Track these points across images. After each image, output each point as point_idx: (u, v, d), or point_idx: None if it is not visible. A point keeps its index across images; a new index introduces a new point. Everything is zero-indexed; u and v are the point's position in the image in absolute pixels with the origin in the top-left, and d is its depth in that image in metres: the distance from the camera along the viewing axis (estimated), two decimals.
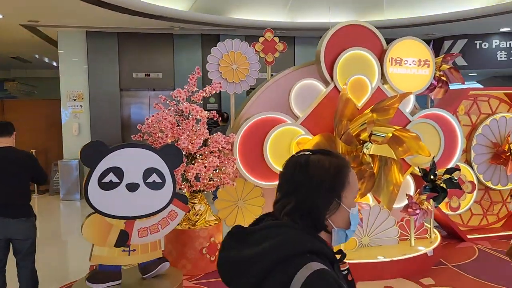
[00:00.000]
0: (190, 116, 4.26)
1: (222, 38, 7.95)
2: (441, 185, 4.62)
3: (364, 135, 4.37)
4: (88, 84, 8.58)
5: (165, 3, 7.40)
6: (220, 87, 4.51)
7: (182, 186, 4.40)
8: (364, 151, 4.38)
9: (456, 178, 4.65)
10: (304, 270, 1.13)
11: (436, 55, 10.00)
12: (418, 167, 4.68)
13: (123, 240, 3.67)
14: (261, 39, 5.04)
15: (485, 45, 9.47)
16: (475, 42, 9.48)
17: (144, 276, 3.84)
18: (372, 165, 4.42)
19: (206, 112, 4.53)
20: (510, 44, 9.37)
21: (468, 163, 5.41)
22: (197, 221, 4.43)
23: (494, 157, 5.38)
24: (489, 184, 5.46)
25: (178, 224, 4.38)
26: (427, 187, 4.62)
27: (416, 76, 4.75)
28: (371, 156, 4.43)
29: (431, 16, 8.06)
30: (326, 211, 1.26)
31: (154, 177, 3.76)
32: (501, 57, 9.42)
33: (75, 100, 8.57)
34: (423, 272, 4.24)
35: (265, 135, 4.43)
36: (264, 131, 4.44)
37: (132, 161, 3.67)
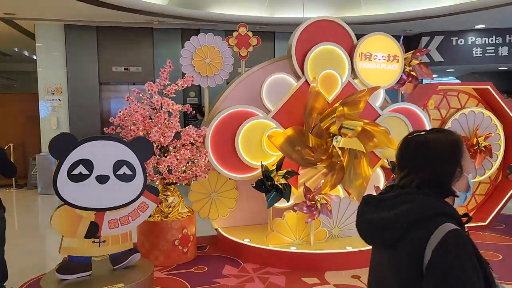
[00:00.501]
0: (162, 109, 4.30)
1: (202, 32, 7.97)
2: None
3: (333, 128, 4.47)
4: (67, 77, 8.55)
5: None
6: (192, 80, 4.56)
7: (155, 178, 4.44)
8: (334, 144, 4.47)
9: None
10: (442, 228, 1.35)
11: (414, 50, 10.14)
12: (387, 160, 4.80)
13: (93, 231, 3.71)
14: (235, 34, 5.10)
15: (461, 42, 9.66)
16: (452, 38, 9.66)
17: (114, 267, 3.88)
18: (341, 158, 4.52)
19: (179, 105, 4.57)
20: (485, 41, 9.57)
21: None
22: (169, 213, 4.48)
23: None
24: None
25: (150, 216, 4.46)
26: (395, 179, 4.74)
27: (386, 71, 4.86)
28: (341, 149, 4.52)
29: (407, 13, 8.21)
30: (451, 180, 1.47)
31: (125, 169, 3.80)
32: (477, 54, 9.62)
33: (53, 93, 8.53)
34: None
35: (237, 128, 4.50)
36: (236, 125, 4.51)
37: (102, 153, 3.71)
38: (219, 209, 4.90)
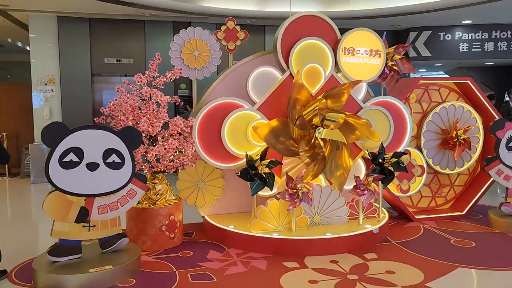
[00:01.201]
0: (151, 100, 4.46)
1: (194, 25, 8.01)
2: (389, 168, 4.95)
3: (316, 120, 4.65)
4: (59, 68, 8.66)
5: None
6: (180, 72, 4.72)
7: (143, 167, 4.61)
8: (316, 135, 4.66)
9: (403, 162, 4.98)
10: None
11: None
12: (368, 151, 4.99)
13: (83, 216, 3.89)
14: (223, 28, 5.26)
15: (448, 37, 9.85)
16: (439, 33, 9.85)
17: (103, 251, 4.07)
18: (324, 149, 4.70)
19: (168, 97, 4.73)
20: (471, 36, 9.77)
21: (419, 148, 5.75)
22: (157, 200, 4.65)
23: (443, 143, 5.73)
24: (437, 168, 5.82)
25: (139, 203, 4.64)
26: (376, 169, 4.95)
27: (368, 65, 5.04)
28: (323, 140, 4.70)
29: (393, 8, 8.36)
30: None
31: (114, 158, 3.98)
32: (463, 49, 9.82)
33: (46, 84, 8.64)
34: (369, 248, 4.57)
35: (223, 119, 4.68)
36: (222, 116, 4.68)
37: (92, 142, 3.88)
38: (206, 197, 5.09)
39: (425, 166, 5.70)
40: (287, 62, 4.82)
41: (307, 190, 4.48)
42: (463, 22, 9.58)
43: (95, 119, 4.66)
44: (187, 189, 5.03)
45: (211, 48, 5.08)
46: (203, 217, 5.17)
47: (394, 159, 4.91)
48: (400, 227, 5.39)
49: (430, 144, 5.76)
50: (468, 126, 5.74)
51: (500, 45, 9.68)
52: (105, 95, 9.30)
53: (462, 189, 6.07)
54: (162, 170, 4.66)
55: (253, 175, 4.49)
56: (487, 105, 5.76)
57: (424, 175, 5.70)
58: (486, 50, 9.76)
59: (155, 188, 4.72)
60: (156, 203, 4.65)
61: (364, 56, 5.00)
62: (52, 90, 8.68)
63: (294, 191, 4.44)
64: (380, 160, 4.91)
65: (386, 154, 4.95)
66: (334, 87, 4.74)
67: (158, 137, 4.61)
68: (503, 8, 8.35)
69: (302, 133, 4.69)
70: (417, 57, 9.97)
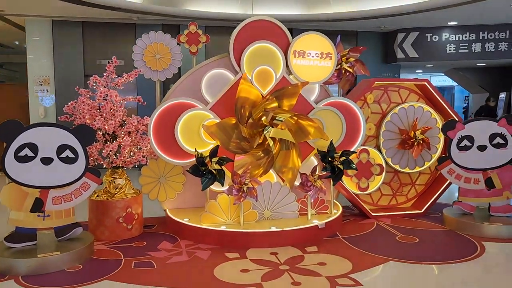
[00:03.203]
0: (106, 100, 4.80)
1: (182, 28, 8.44)
2: (339, 166, 5.15)
3: (265, 120, 4.90)
4: (54, 69, 9.14)
5: None
6: (136, 74, 5.06)
7: (102, 162, 4.95)
8: (265, 134, 4.91)
9: (352, 160, 5.18)
10: None
11: (390, 46, 10.51)
12: (318, 149, 5.21)
13: (37, 207, 4.25)
14: (185, 31, 5.56)
15: (435, 38, 9.92)
16: (426, 35, 9.93)
17: (58, 239, 4.42)
18: (273, 147, 4.94)
19: (130, 97, 5.09)
20: (458, 37, 9.80)
21: (378, 147, 5.92)
22: (116, 193, 4.98)
23: (401, 143, 5.88)
24: (397, 167, 5.97)
25: (98, 196, 4.98)
26: (326, 168, 5.16)
27: (319, 67, 5.25)
28: (272, 139, 4.95)
29: (372, 11, 8.50)
30: None
31: (68, 153, 4.32)
32: (450, 50, 9.87)
33: (41, 84, 9.13)
34: (314, 242, 4.78)
35: (177, 118, 4.96)
36: (177, 115, 4.96)
37: (47, 138, 4.24)
38: (167, 192, 5.40)
39: (384, 165, 5.87)
40: (239, 64, 5.07)
41: (252, 186, 4.73)
42: (449, 23, 9.63)
43: (59, 117, 5.02)
44: (149, 184, 5.35)
45: (172, 51, 5.39)
46: (165, 211, 5.48)
47: (343, 158, 5.11)
48: (355, 224, 5.58)
49: (389, 143, 5.92)
50: (427, 127, 5.87)
51: (488, 46, 9.69)
52: None
53: (423, 188, 6.20)
54: (121, 165, 4.99)
55: (203, 171, 4.77)
56: (445, 106, 5.89)
57: (383, 173, 5.87)
58: (473, 51, 9.78)
59: (114, 182, 5.05)
60: (115, 196, 4.97)
61: (314, 58, 5.22)
62: (47, 90, 9.16)
63: (240, 186, 4.70)
64: (330, 159, 5.11)
65: (336, 153, 5.15)
66: (282, 88, 4.98)
67: (117, 134, 4.94)
68: (489, 8, 8.38)
69: (251, 132, 4.94)
70: (404, 58, 10.07)
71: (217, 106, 5.06)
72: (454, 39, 9.84)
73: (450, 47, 9.87)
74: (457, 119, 5.78)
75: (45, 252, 4.12)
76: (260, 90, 5.08)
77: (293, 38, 5.23)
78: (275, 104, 4.95)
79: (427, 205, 5.94)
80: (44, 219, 4.33)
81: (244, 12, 8.95)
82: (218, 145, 4.85)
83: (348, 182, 5.79)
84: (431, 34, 9.90)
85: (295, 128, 5.01)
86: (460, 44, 9.81)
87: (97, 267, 4.15)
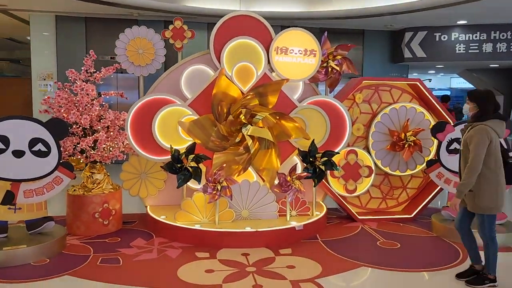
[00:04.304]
0: (82, 93, 4.78)
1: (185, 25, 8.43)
2: (321, 167, 5.00)
3: (243, 117, 4.79)
4: (57, 64, 9.23)
5: None
6: (114, 69, 5.02)
7: (80, 156, 4.93)
8: (243, 132, 4.79)
9: (334, 162, 5.01)
10: None
11: (397, 45, 10.22)
12: (299, 149, 5.06)
13: (8, 199, 4.24)
14: (170, 27, 5.50)
15: (444, 38, 9.59)
16: (435, 34, 9.60)
17: (29, 232, 4.42)
18: (251, 146, 4.82)
19: (112, 91, 5.09)
20: (469, 37, 9.45)
21: (367, 149, 5.72)
22: (93, 188, 4.96)
23: (392, 144, 5.67)
24: (387, 169, 5.77)
25: (75, 190, 4.97)
26: (307, 168, 5.01)
27: (302, 64, 5.10)
28: (251, 137, 4.83)
29: (370, 8, 8.26)
30: None
31: (40, 146, 4.30)
32: (460, 50, 9.52)
33: (45, 79, 9.24)
34: (290, 244, 4.64)
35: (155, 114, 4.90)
36: (155, 111, 4.90)
37: (19, 131, 4.22)
38: (148, 188, 5.35)
39: (373, 167, 5.67)
40: (219, 60, 4.97)
41: (226, 185, 4.62)
42: (459, 22, 9.28)
43: (38, 110, 5.03)
44: (130, 180, 5.31)
45: (155, 46, 5.34)
46: (146, 207, 5.43)
47: (325, 158, 4.96)
48: (339, 226, 5.41)
49: (379, 145, 5.72)
50: (419, 128, 5.65)
51: (499, 47, 9.30)
52: (101, 89, 9.79)
53: (415, 192, 5.97)
54: (98, 160, 4.96)
55: (179, 168, 4.69)
56: (438, 106, 5.65)
57: (372, 176, 5.67)
58: (484, 51, 9.41)
59: (92, 177, 5.03)
60: (92, 191, 4.95)
61: (297, 55, 5.07)
62: (50, 85, 9.27)
63: (214, 185, 4.60)
64: (311, 159, 4.97)
65: (318, 153, 5.00)
66: (262, 85, 4.86)
67: (96, 129, 4.91)
68: (499, 7, 8.03)
69: (229, 130, 4.83)
70: (412, 58, 9.77)
71: (196, 102, 4.98)
72: (463, 39, 9.49)
73: (460, 47, 9.52)
74: (451, 122, 5.54)
75: (14, 245, 4.11)
76: (240, 87, 4.97)
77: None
78: (255, 102, 4.83)
79: (417, 210, 5.72)
80: (15, 212, 4.34)
81: (246, 8, 8.83)
82: (194, 143, 4.77)
83: (335, 184, 5.62)
84: (439, 33, 9.56)
85: (276, 126, 4.89)
86: (470, 44, 9.45)
87: (63, 261, 4.12)
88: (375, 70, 10.04)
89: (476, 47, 9.43)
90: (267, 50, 5.04)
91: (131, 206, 5.86)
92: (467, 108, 3.70)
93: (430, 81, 14.94)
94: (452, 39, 9.56)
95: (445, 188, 5.22)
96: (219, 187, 4.58)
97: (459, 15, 8.79)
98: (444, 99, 10.53)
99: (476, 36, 9.41)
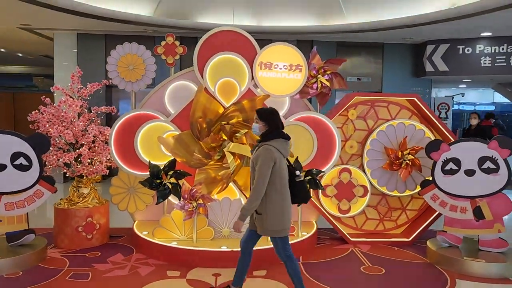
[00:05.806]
0: (65, 109, 4.89)
1: (177, 41, 8.56)
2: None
3: (224, 134, 4.71)
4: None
5: (132, 10, 8.15)
6: (99, 85, 5.11)
7: (66, 171, 5.03)
8: (224, 149, 4.71)
9: (319, 181, 4.81)
10: None
11: (419, 59, 9.82)
12: None
13: None
14: (162, 43, 5.54)
15: (468, 50, 9.09)
16: (458, 47, 9.13)
17: (9, 244, 4.52)
18: (232, 163, 4.72)
19: (103, 107, 5.19)
20: (495, 49, 8.91)
21: (362, 167, 5.46)
22: (78, 202, 5.02)
23: (388, 163, 5.38)
24: (384, 190, 5.47)
25: (60, 204, 5.06)
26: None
27: (287, 80, 4.96)
28: (232, 154, 4.73)
29: (387, 21, 7.97)
30: None
31: (21, 160, 4.43)
32: (485, 63, 8.99)
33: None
34: (266, 266, 4.46)
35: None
36: (138, 126, 4.92)
37: (1, 145, 4.37)
38: (137, 203, 5.36)
39: (368, 186, 5.41)
40: (203, 76, 4.94)
41: (202, 203, 4.54)
42: (482, 34, 8.78)
43: (30, 125, 5.18)
44: (119, 194, 5.35)
45: (145, 62, 5.39)
46: (133, 222, 5.44)
47: (309, 177, 4.77)
48: (328, 248, 5.17)
49: (374, 163, 5.44)
50: (418, 146, 5.34)
51: None
52: (121, 104, 10.07)
53: (416, 214, 5.62)
54: (83, 174, 5.03)
55: (158, 184, 4.66)
56: (438, 123, 5.31)
57: (368, 195, 5.40)
58: None
59: (79, 191, 5.10)
60: (77, 205, 5.02)
61: (282, 70, 4.94)
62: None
63: (190, 202, 4.53)
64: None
65: (303, 171, 4.82)
66: (243, 100, 4.76)
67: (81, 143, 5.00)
68: None
69: (209, 146, 4.76)
70: (434, 72, 9.33)
71: (179, 118, 4.96)
72: (489, 52, 8.94)
73: (485, 60, 8.98)
74: (452, 139, 5.20)
75: None
76: (223, 102, 4.90)
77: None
78: (239, 118, 4.74)
79: (415, 233, 5.36)
80: None
81: (257, 24, 8.81)
82: (174, 159, 4.73)
83: (328, 203, 5.39)
84: (463, 46, 9.07)
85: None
86: (497, 57, 8.89)
87: (35, 275, 4.17)
88: (396, 84, 9.66)
89: (503, 60, 8.87)
90: (251, 66, 4.95)
91: (123, 220, 5.89)
92: (257, 127, 3.49)
93: (463, 96, 14.20)
94: (477, 51, 9.05)
95: (441, 211, 4.86)
96: (194, 204, 4.51)
97: (483, 27, 8.31)
98: (487, 116, 9.97)
99: (503, 49, 8.85)
